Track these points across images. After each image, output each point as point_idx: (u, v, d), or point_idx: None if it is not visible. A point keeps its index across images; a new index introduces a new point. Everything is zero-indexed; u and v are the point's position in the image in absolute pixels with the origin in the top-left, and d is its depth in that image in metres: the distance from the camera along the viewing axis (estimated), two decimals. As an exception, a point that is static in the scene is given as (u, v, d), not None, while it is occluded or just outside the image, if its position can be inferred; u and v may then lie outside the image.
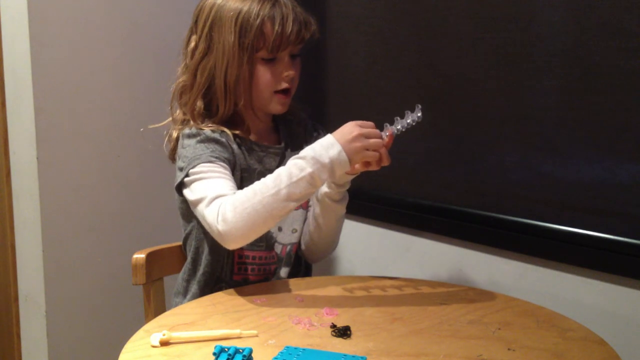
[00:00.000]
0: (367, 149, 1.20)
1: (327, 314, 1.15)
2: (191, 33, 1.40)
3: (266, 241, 1.40)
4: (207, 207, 1.23)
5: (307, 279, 1.43)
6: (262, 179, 1.22)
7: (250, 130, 1.41)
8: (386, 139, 1.23)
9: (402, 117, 1.25)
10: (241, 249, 1.38)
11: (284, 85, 1.37)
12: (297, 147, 1.42)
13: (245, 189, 1.22)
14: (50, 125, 1.86)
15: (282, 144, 1.44)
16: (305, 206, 1.46)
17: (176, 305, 1.40)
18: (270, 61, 1.35)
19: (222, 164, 1.30)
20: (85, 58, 1.90)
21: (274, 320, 1.13)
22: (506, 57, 1.45)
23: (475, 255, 1.54)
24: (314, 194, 1.40)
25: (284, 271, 1.43)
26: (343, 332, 1.06)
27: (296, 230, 1.44)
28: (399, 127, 1.24)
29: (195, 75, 1.37)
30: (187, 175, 1.29)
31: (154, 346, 1.02)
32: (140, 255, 1.44)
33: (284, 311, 1.17)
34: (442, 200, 1.61)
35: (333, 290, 1.29)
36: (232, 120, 1.39)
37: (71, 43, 1.87)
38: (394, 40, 1.69)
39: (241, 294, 1.27)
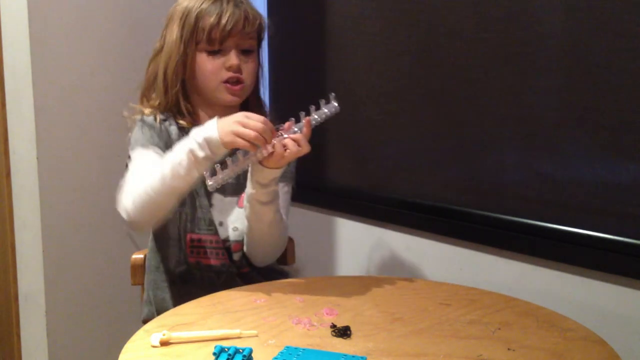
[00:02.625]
0: (238, 136, 1.23)
1: (327, 314, 1.15)
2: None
3: (215, 226, 1.43)
4: (118, 194, 1.34)
5: (307, 278, 1.43)
6: (156, 163, 1.30)
7: (201, 120, 1.43)
8: (300, 131, 1.25)
9: (318, 108, 1.28)
10: (191, 231, 1.42)
11: (228, 74, 1.40)
12: None
13: (138, 172, 1.33)
14: (50, 125, 1.86)
15: None
16: None
17: (149, 313, 1.41)
18: (215, 53, 1.40)
19: (155, 149, 1.38)
20: (85, 58, 1.90)
21: (274, 320, 1.13)
22: (506, 57, 1.45)
23: (475, 255, 1.54)
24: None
25: (237, 255, 1.44)
26: (343, 332, 1.06)
27: (237, 229, 1.44)
28: (315, 117, 1.27)
29: (147, 71, 1.46)
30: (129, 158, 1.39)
31: (154, 346, 1.02)
32: (139, 256, 1.45)
33: (284, 311, 1.17)
34: (442, 200, 1.61)
35: (333, 290, 1.29)
36: (180, 110, 1.43)
37: (71, 43, 1.87)
38: (394, 40, 1.69)
39: (241, 294, 1.27)
